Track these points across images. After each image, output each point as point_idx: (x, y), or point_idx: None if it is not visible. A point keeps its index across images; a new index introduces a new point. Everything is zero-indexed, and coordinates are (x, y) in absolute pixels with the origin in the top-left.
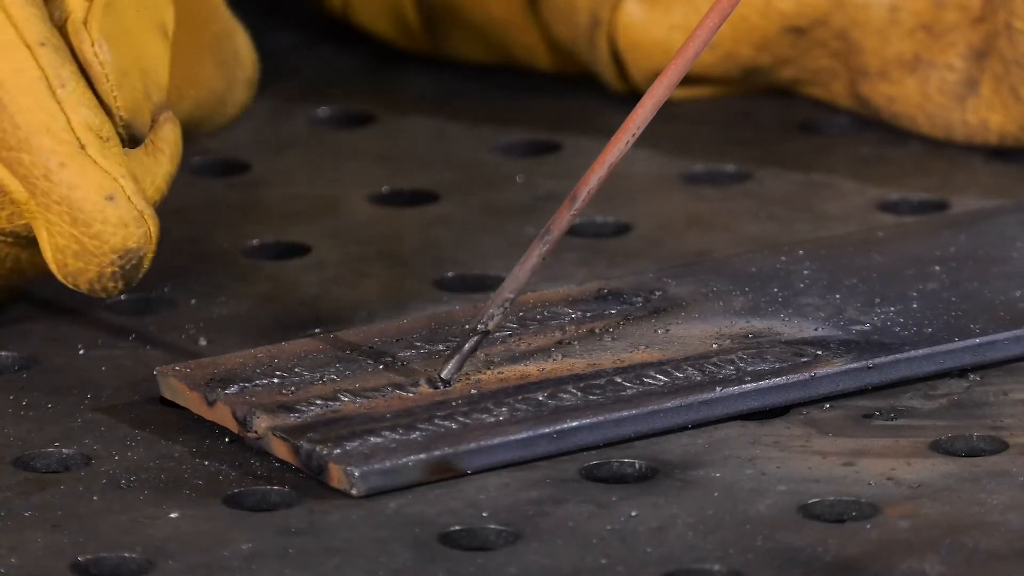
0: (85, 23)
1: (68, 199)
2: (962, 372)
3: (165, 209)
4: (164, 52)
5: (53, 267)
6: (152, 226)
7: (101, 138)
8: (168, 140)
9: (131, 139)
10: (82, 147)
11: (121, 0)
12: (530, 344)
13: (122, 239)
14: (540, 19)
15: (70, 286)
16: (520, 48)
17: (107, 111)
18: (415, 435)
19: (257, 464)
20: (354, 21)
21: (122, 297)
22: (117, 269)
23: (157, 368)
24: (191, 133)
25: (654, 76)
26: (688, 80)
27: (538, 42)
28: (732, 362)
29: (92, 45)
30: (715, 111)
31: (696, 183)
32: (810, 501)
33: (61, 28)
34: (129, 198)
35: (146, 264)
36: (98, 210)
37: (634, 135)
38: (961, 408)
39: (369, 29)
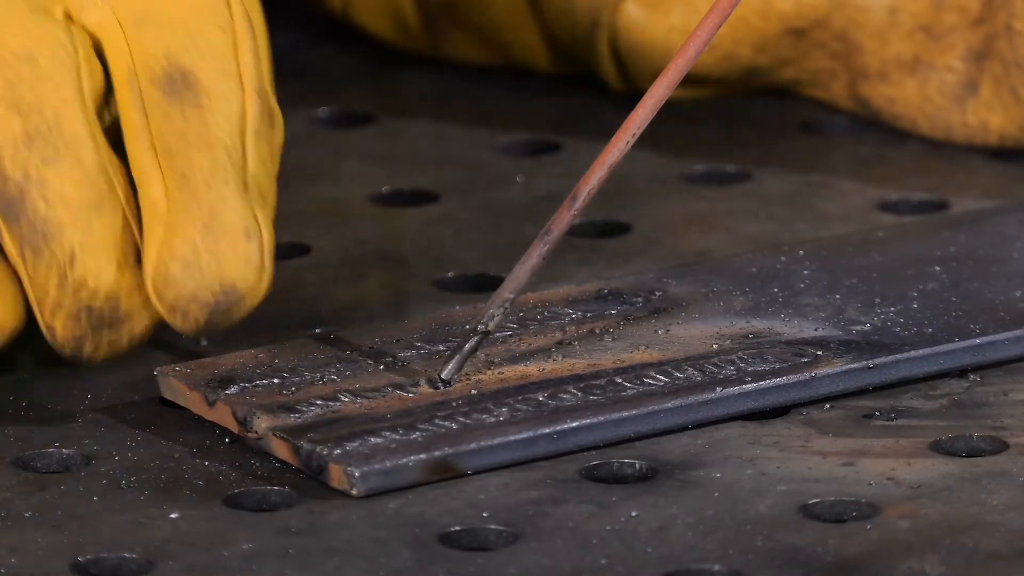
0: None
1: (214, 210)
2: (962, 372)
3: None
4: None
5: (151, 267)
6: (266, 285)
7: (263, 196)
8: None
9: None
10: (246, 188)
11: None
12: (530, 344)
13: (237, 274)
14: (540, 20)
15: (154, 296)
16: (520, 48)
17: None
18: (415, 435)
19: (257, 464)
20: (354, 21)
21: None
22: (211, 301)
23: (157, 368)
24: None
25: (654, 76)
26: (688, 81)
27: (538, 43)
28: (732, 362)
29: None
30: (715, 111)
31: (696, 183)
32: (810, 501)
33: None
34: (264, 251)
35: (236, 317)
36: (234, 234)
37: (634, 135)
38: (961, 408)
39: (369, 29)
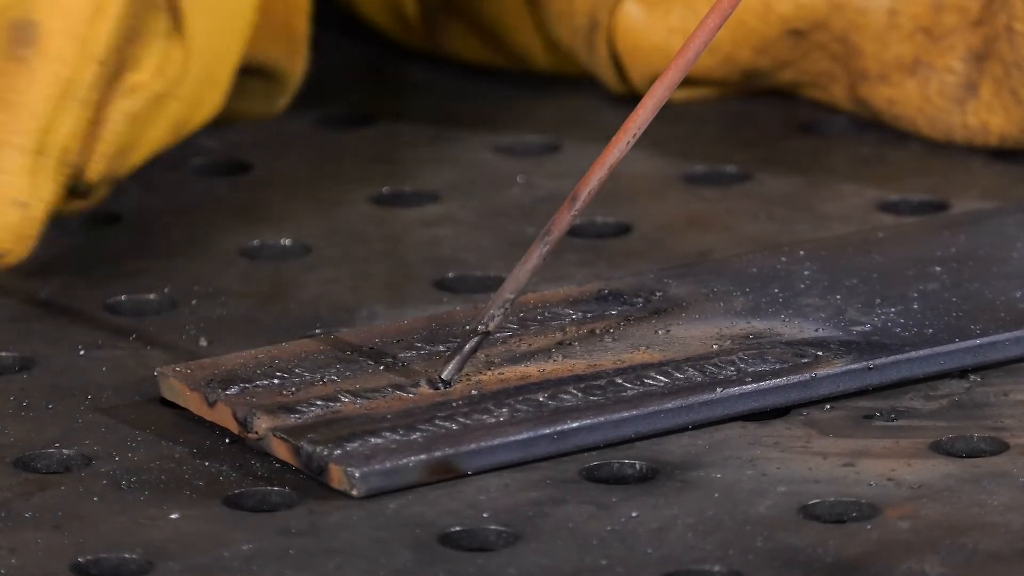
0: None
1: None
2: (963, 373)
3: (165, 209)
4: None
5: None
6: (21, 253)
7: (64, 165)
8: None
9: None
10: (40, 153)
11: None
12: (531, 345)
13: None
14: (538, 19)
15: None
16: (518, 47)
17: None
18: (415, 436)
19: (257, 465)
20: (357, 13)
21: (123, 297)
22: None
23: (157, 369)
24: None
25: (653, 78)
26: (688, 82)
27: (536, 41)
28: (733, 363)
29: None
30: (715, 112)
31: (696, 183)
32: (810, 502)
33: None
34: (31, 221)
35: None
36: (2, 201)
37: (634, 136)
38: (961, 409)
39: (370, 21)
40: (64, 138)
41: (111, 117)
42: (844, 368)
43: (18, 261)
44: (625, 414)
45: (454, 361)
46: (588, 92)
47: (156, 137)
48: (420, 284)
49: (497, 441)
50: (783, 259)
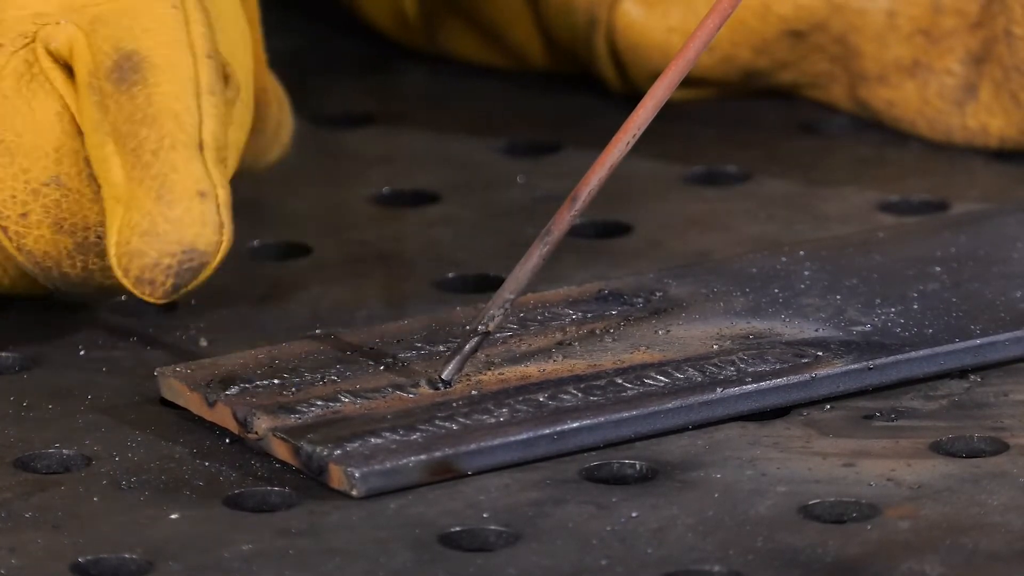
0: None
1: (164, 177)
2: (963, 373)
3: None
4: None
5: (114, 245)
6: (226, 241)
7: (220, 154)
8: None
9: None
10: (200, 148)
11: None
12: (531, 345)
13: (195, 235)
14: (538, 17)
15: (119, 273)
16: (517, 45)
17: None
18: (415, 436)
19: (257, 465)
20: (358, 12)
21: (123, 297)
22: (174, 264)
23: (158, 369)
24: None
25: (653, 76)
26: (688, 82)
27: (536, 40)
28: (733, 363)
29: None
30: (715, 112)
31: (696, 184)
32: (810, 502)
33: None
34: (219, 207)
35: (203, 276)
36: (187, 197)
37: (634, 136)
38: (961, 409)
39: (370, 21)
40: (213, 131)
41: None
42: (844, 368)
43: (219, 259)
44: (625, 414)
45: (454, 361)
46: (588, 92)
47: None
48: (420, 284)
49: (497, 441)
50: (783, 259)
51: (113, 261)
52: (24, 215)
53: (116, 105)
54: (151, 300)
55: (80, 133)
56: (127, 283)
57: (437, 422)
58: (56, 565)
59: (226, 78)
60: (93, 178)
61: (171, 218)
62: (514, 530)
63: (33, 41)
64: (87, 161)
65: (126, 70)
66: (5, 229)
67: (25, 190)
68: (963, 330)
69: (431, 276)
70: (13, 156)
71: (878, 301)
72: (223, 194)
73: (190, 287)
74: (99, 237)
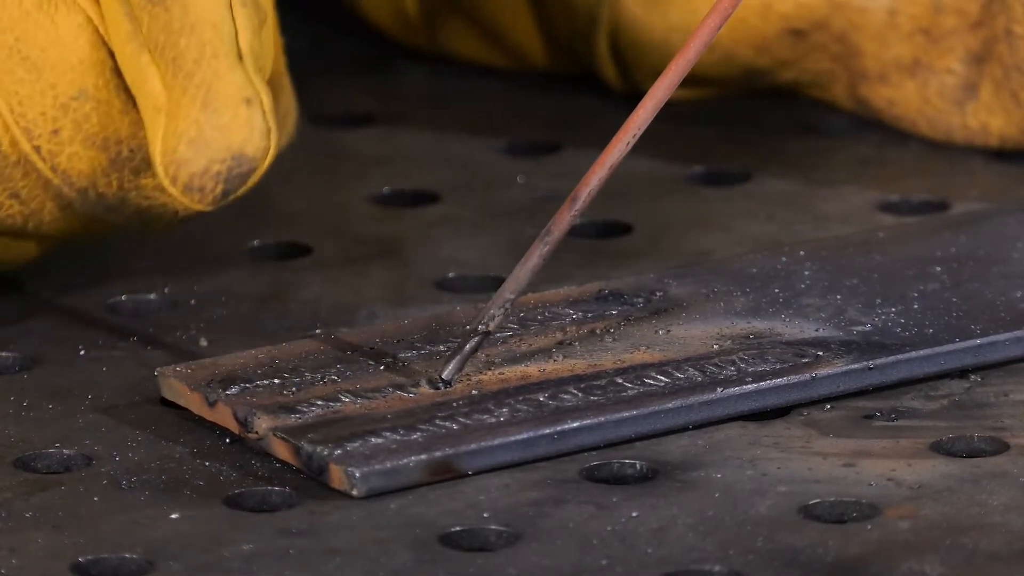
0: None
1: (210, 85)
2: (963, 373)
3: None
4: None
5: (160, 154)
6: (273, 147)
7: (257, 63)
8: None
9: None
10: (238, 54)
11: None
12: (531, 345)
13: (243, 140)
14: (538, 16)
15: (166, 182)
16: (518, 45)
17: None
18: (416, 436)
19: (258, 465)
20: (358, 12)
21: (123, 297)
22: (224, 170)
23: (158, 369)
24: None
25: (653, 75)
26: (688, 81)
27: (535, 39)
28: (733, 363)
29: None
30: (715, 112)
31: (696, 183)
32: (811, 502)
33: None
34: (264, 112)
35: (251, 180)
36: (233, 104)
37: (635, 135)
38: (962, 409)
39: (371, 20)
40: (248, 41)
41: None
42: (844, 368)
43: (267, 163)
44: (625, 414)
45: (454, 361)
46: (588, 92)
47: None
48: (420, 284)
49: (497, 441)
50: (783, 259)
51: (159, 170)
52: (55, 131)
53: (150, 16)
54: (200, 207)
55: (105, 44)
56: (175, 191)
57: (437, 422)
58: (56, 565)
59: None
60: (122, 89)
61: (218, 125)
62: (514, 530)
63: None
64: (115, 72)
65: None
66: (38, 149)
67: (54, 105)
68: (963, 330)
69: (431, 276)
70: (40, 72)
71: (878, 301)
72: (267, 100)
73: (239, 193)
74: (132, 151)
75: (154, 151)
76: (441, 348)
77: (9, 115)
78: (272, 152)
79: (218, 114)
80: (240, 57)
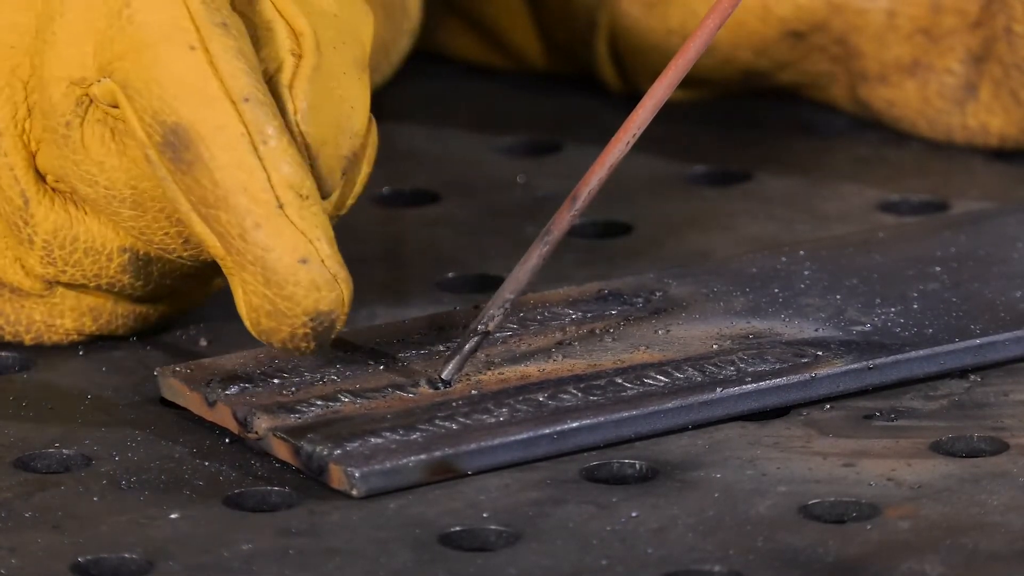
0: (290, 87)
1: (262, 260)
2: (963, 373)
3: None
4: (364, 91)
5: (248, 323)
6: (345, 289)
7: (301, 196)
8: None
9: (323, 195)
10: (280, 206)
11: (328, 57)
12: (530, 345)
13: (314, 302)
14: (537, 17)
15: (264, 342)
16: (516, 46)
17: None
18: (415, 436)
19: (257, 465)
20: None
21: None
22: (309, 331)
23: (157, 369)
24: None
25: (652, 77)
26: (687, 83)
27: (534, 40)
28: (732, 363)
29: (295, 114)
30: (715, 112)
31: (696, 183)
32: (810, 502)
33: (269, 80)
34: (323, 261)
35: (339, 326)
36: (291, 273)
37: (634, 136)
38: (962, 409)
39: None
40: (286, 176)
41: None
42: (844, 368)
43: (348, 306)
44: (625, 414)
45: (454, 361)
46: (588, 92)
47: None
48: (420, 284)
49: (497, 441)
50: (783, 259)
51: (254, 334)
52: (185, 241)
53: (184, 188)
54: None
55: None
56: (276, 348)
57: (437, 422)
58: (56, 565)
59: (293, 53)
60: None
61: (285, 295)
62: (514, 530)
63: (91, 102)
64: None
65: (178, 148)
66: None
67: (173, 224)
68: (963, 330)
69: (431, 276)
70: (144, 206)
71: (878, 301)
72: (323, 247)
73: (335, 335)
74: None
75: (241, 312)
76: (441, 348)
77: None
78: (348, 292)
79: (281, 286)
80: (281, 206)
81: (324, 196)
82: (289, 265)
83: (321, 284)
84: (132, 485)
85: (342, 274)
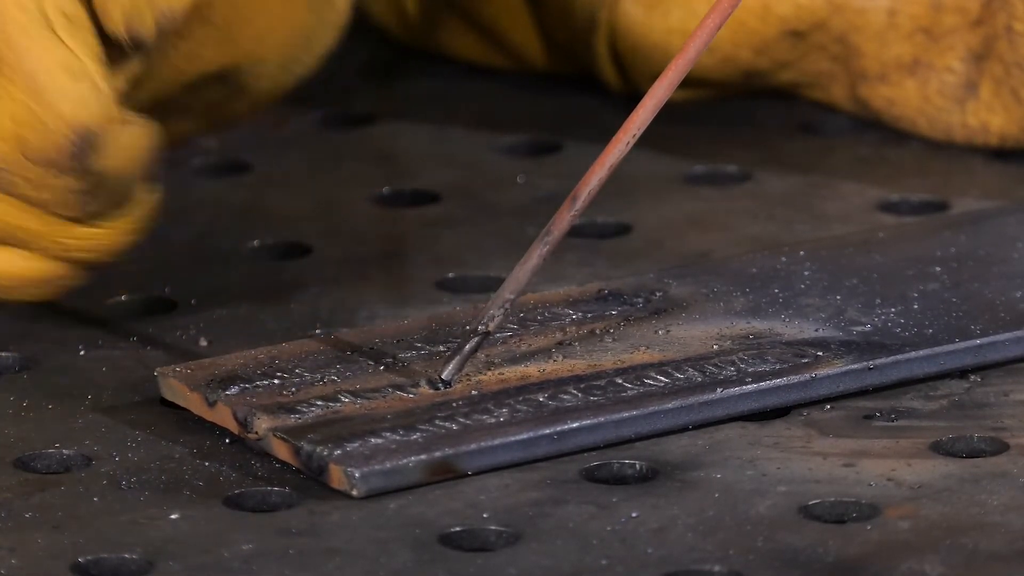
0: None
1: (28, 70)
2: (963, 373)
3: (166, 210)
4: None
5: (15, 143)
6: (114, 108)
7: (66, 16)
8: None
9: (134, 43)
10: (49, 24)
11: None
12: (531, 345)
13: (81, 116)
14: (537, 17)
15: (32, 162)
16: (517, 45)
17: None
18: (415, 436)
19: (257, 465)
20: (364, 11)
21: (123, 297)
22: (75, 148)
23: (158, 369)
24: (278, 78)
25: (653, 77)
26: (688, 82)
27: (535, 40)
28: (733, 363)
29: None
30: (715, 112)
31: (696, 183)
32: (810, 502)
33: None
34: (92, 78)
35: (105, 153)
36: (55, 82)
37: (635, 136)
38: (962, 409)
39: (374, 19)
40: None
41: None
42: (844, 368)
43: (110, 131)
44: (625, 414)
45: (454, 361)
46: (588, 92)
47: None
48: (420, 284)
49: (497, 441)
50: (783, 259)
51: (22, 154)
52: None
53: None
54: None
55: None
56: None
57: (437, 422)
58: (56, 565)
59: None
60: None
61: (49, 105)
62: (514, 530)
63: None
64: None
65: None
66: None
67: None
68: (963, 330)
69: (431, 276)
70: None
71: (878, 301)
72: (93, 64)
73: (101, 165)
74: None
75: (4, 135)
76: (441, 348)
77: None
78: (116, 113)
79: (42, 94)
80: (49, 24)
81: (138, 44)
82: (54, 75)
83: (88, 96)
84: (132, 485)
85: (110, 93)
